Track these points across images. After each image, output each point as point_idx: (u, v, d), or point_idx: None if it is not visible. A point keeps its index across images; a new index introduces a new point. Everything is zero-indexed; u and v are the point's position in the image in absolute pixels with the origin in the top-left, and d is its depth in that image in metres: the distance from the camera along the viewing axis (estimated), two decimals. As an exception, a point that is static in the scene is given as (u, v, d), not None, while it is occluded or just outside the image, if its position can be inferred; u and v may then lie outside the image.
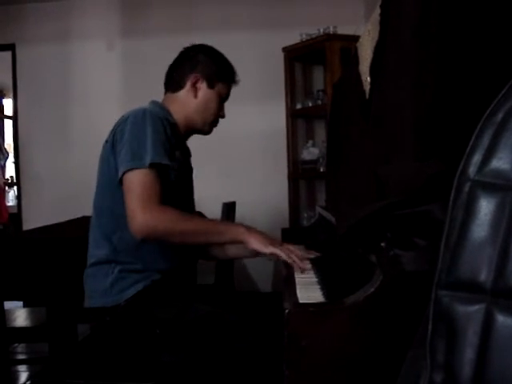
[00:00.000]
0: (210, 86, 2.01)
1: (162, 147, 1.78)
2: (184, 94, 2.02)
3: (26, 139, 5.00)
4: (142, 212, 1.70)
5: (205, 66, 2.02)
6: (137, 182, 1.73)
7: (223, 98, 2.07)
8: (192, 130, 2.08)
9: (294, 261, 1.75)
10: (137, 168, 1.74)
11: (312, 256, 1.89)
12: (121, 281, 1.81)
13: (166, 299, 1.80)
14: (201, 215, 2.31)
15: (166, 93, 2.08)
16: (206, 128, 2.08)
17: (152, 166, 1.73)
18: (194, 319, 1.73)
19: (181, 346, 1.72)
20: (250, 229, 1.81)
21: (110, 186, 1.83)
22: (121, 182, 1.77)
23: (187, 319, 1.73)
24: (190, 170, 2.16)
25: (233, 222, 1.93)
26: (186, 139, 2.13)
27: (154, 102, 2.04)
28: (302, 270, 1.73)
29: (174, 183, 1.87)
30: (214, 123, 2.09)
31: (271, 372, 1.51)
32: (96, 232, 1.91)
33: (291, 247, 1.81)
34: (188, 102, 2.02)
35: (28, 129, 4.98)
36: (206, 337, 1.70)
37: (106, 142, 1.89)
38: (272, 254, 1.78)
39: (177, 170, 1.88)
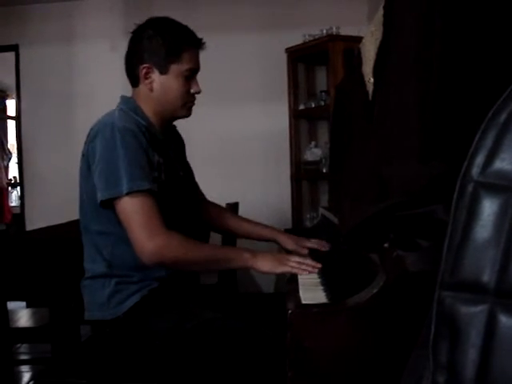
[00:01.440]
0: (163, 71, 1.86)
1: (139, 168, 1.70)
2: (142, 88, 1.90)
3: (29, 140, 5.01)
4: (148, 240, 1.66)
5: (152, 52, 1.85)
6: (131, 211, 1.68)
7: (187, 75, 1.88)
8: (166, 119, 1.95)
9: (305, 269, 1.72)
10: (117, 197, 1.68)
11: (327, 248, 1.95)
12: (118, 293, 1.78)
13: (165, 307, 1.77)
14: (204, 200, 2.26)
15: (132, 88, 1.97)
16: (180, 113, 1.93)
17: (129, 194, 1.66)
18: (194, 326, 1.69)
19: (182, 354, 1.69)
20: (255, 253, 1.76)
21: (94, 205, 1.77)
22: (103, 206, 1.72)
23: (187, 327, 1.69)
24: (183, 160, 2.11)
25: (239, 248, 1.90)
26: (169, 128, 2.05)
27: (124, 101, 1.94)
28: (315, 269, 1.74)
29: (161, 190, 1.78)
30: (189, 103, 1.93)
31: (274, 373, 1.50)
32: (87, 246, 1.87)
33: (298, 258, 1.78)
34: (148, 96, 1.89)
35: (31, 129, 4.99)
36: (207, 343, 1.67)
37: (83, 155, 1.83)
38: (284, 273, 1.75)
39: (158, 177, 1.80)
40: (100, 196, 1.70)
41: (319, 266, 1.74)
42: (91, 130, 1.82)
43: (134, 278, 1.78)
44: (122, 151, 1.68)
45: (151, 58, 1.85)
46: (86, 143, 1.83)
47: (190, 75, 1.89)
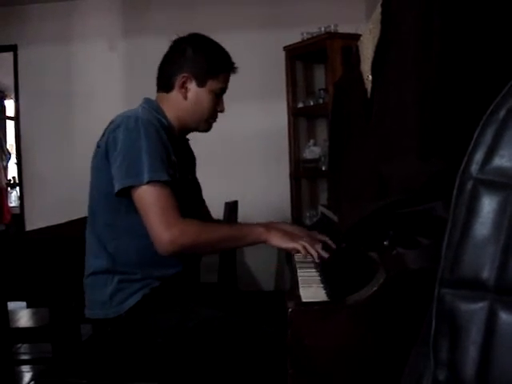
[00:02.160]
0: (200, 84, 1.94)
1: (160, 160, 1.74)
2: (174, 95, 1.96)
3: (28, 140, 5.01)
4: (165, 231, 1.68)
5: (193, 64, 1.94)
6: (149, 199, 1.70)
7: (218, 93, 1.99)
8: (187, 129, 2.03)
9: (311, 254, 1.75)
10: (137, 186, 1.70)
11: (334, 247, 1.92)
12: (120, 292, 1.79)
13: (167, 306, 1.78)
14: (208, 215, 2.28)
15: (158, 90, 2.03)
16: (202, 127, 2.02)
17: (149, 182, 1.70)
18: (195, 325, 1.70)
19: (184, 352, 1.70)
20: (268, 226, 1.84)
21: (104, 195, 1.80)
22: (118, 195, 1.74)
23: (189, 326, 1.70)
24: (192, 170, 2.14)
25: (252, 224, 1.91)
26: (184, 138, 2.09)
27: (147, 102, 1.99)
28: (321, 258, 1.75)
29: (175, 187, 1.81)
30: (212, 120, 2.03)
31: (275, 371, 1.50)
32: (91, 240, 1.88)
33: (311, 240, 1.82)
34: (179, 103, 1.96)
35: (30, 129, 4.99)
36: (209, 342, 1.68)
37: (98, 147, 1.85)
38: (292, 249, 1.80)
39: (174, 174, 1.82)
40: (119, 184, 1.72)
41: (326, 256, 1.76)
42: (111, 122, 1.85)
43: (137, 276, 1.79)
44: (144, 142, 1.72)
45: (192, 70, 1.93)
46: (103, 135, 1.86)
47: (220, 94, 2.00)
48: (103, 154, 1.80)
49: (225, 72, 1.99)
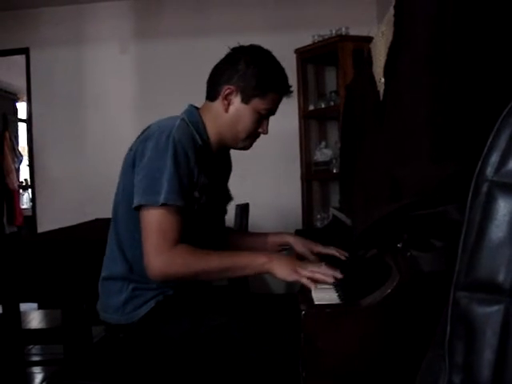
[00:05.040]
0: (244, 100, 1.84)
1: (179, 184, 1.68)
2: (217, 105, 1.87)
3: (40, 142, 5.03)
4: (154, 258, 1.65)
5: (242, 77, 1.83)
6: (154, 221, 1.67)
7: (263, 114, 1.87)
8: (225, 144, 1.94)
9: (317, 279, 1.62)
10: (150, 205, 1.67)
11: (343, 258, 1.87)
12: (134, 299, 1.78)
13: (179, 312, 1.77)
14: (230, 231, 2.24)
15: (206, 98, 1.94)
16: (239, 144, 1.93)
17: (164, 205, 1.66)
18: (207, 331, 1.69)
19: (196, 358, 1.69)
20: (271, 257, 1.72)
21: (128, 202, 1.76)
22: (136, 209, 1.72)
23: (201, 332, 1.69)
24: (225, 184, 2.11)
25: (254, 253, 1.81)
26: (223, 154, 2.04)
27: (190, 112, 1.90)
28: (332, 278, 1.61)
29: (198, 212, 1.79)
30: (251, 140, 1.94)
31: (288, 374, 1.50)
32: (113, 242, 1.86)
33: (312, 267, 1.68)
34: (219, 115, 1.87)
35: (42, 132, 5.01)
36: (221, 348, 1.66)
37: (131, 150, 1.82)
38: (297, 282, 1.67)
39: (199, 198, 1.79)
40: (136, 201, 1.70)
41: (330, 276, 1.62)
42: (148, 127, 1.82)
43: (152, 285, 1.78)
44: (170, 162, 1.67)
45: (239, 83, 1.83)
46: (137, 138, 1.83)
47: (266, 115, 1.89)
48: (132, 159, 1.78)
49: (274, 92, 1.87)
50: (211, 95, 1.90)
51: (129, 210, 1.76)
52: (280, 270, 1.68)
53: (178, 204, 1.67)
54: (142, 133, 1.84)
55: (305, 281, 1.62)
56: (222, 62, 1.90)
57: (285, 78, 1.90)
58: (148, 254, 1.66)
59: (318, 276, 1.62)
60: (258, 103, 1.84)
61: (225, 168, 2.12)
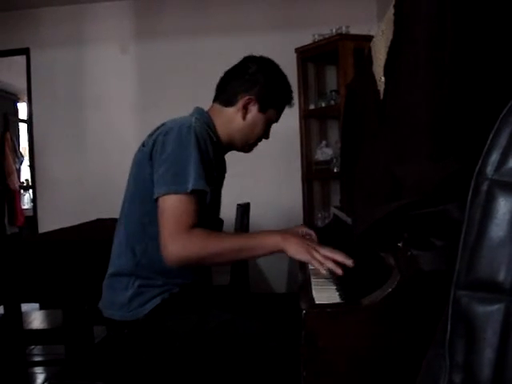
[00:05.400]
0: (262, 110, 1.97)
1: (204, 173, 1.73)
2: (233, 111, 1.96)
3: (41, 143, 5.04)
4: (171, 243, 1.65)
5: (261, 89, 1.95)
6: (172, 208, 1.68)
7: (272, 121, 2.03)
8: (231, 146, 2.03)
9: (327, 268, 1.58)
10: (177, 193, 1.68)
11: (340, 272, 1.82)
12: (140, 296, 1.79)
13: (185, 309, 1.78)
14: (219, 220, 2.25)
15: (214, 101, 2.02)
16: (244, 148, 2.05)
17: (193, 191, 1.68)
18: (212, 328, 1.70)
19: (200, 355, 1.70)
20: (285, 235, 1.70)
21: (142, 195, 1.78)
22: (157, 200, 1.72)
23: (206, 328, 1.70)
24: (222, 184, 2.12)
25: (267, 231, 1.78)
26: (224, 154, 2.09)
27: (199, 112, 1.97)
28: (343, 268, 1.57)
29: (208, 205, 1.82)
30: (254, 145, 2.07)
31: (289, 373, 1.50)
32: (122, 237, 1.86)
33: (327, 252, 1.63)
34: (235, 121, 1.96)
35: (43, 132, 5.02)
36: (225, 344, 1.67)
37: (143, 145, 1.84)
38: (307, 262, 1.66)
39: (213, 191, 1.82)
40: (163, 190, 1.70)
41: (340, 272, 1.57)
42: (163, 124, 1.85)
43: (158, 282, 1.79)
44: (194, 152, 1.72)
45: (258, 94, 1.95)
46: (150, 136, 1.86)
47: (271, 123, 2.05)
48: (148, 153, 1.79)
49: (286, 105, 2.05)
50: (226, 101, 1.98)
51: (143, 203, 1.78)
52: (292, 247, 1.66)
53: (205, 189, 1.72)
54: (156, 130, 1.86)
55: (315, 263, 1.59)
56: (237, 70, 2.00)
57: (291, 91, 2.07)
58: (165, 241, 1.66)
59: (329, 265, 1.58)
60: (271, 113, 2.00)
61: (222, 171, 2.13)
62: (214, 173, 1.85)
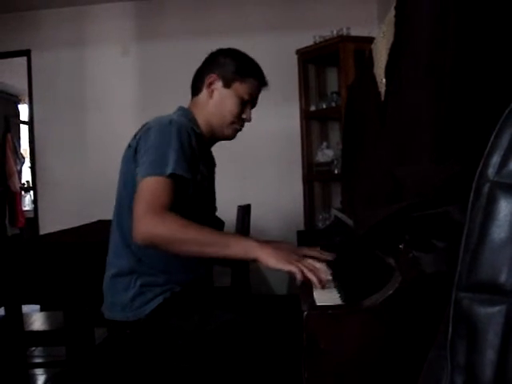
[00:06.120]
0: (226, 85, 1.99)
1: (185, 160, 1.74)
2: (203, 95, 2.03)
3: (41, 144, 5.04)
4: (143, 220, 1.62)
5: (223, 67, 2.00)
6: (150, 189, 1.68)
7: (245, 99, 2.01)
8: (214, 135, 2.04)
9: (310, 278, 1.56)
10: (156, 174, 1.69)
11: (330, 258, 1.86)
12: (141, 295, 1.79)
13: (187, 309, 1.78)
14: (219, 222, 2.24)
15: (191, 98, 2.09)
16: (226, 131, 2.03)
17: (171, 176, 1.68)
18: (214, 328, 1.70)
19: (203, 355, 1.70)
20: (262, 244, 1.66)
21: (131, 193, 1.77)
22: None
23: (208, 329, 1.70)
24: (213, 180, 2.13)
25: (245, 236, 1.75)
26: (210, 147, 2.11)
27: (181, 109, 2.04)
28: (322, 286, 1.55)
29: (192, 197, 1.81)
30: (236, 126, 2.04)
31: (290, 375, 1.50)
32: (116, 237, 1.87)
33: (312, 263, 1.64)
34: (206, 103, 2.01)
35: (44, 134, 5.02)
36: (227, 344, 1.68)
37: (129, 146, 1.87)
38: (288, 272, 1.59)
39: (199, 182, 1.84)
40: (141, 174, 1.71)
41: (326, 279, 1.60)
42: (146, 124, 1.89)
43: (160, 280, 1.80)
44: (174, 141, 1.75)
45: (219, 71, 2.01)
46: (135, 136, 1.89)
47: (246, 101, 2.04)
48: (132, 152, 1.82)
49: (252, 77, 2.03)
50: (197, 89, 2.06)
51: (132, 201, 1.76)
52: (270, 257, 1.61)
53: (186, 176, 1.73)
54: (140, 130, 1.89)
55: (297, 273, 1.56)
56: (203, 62, 2.08)
57: (259, 68, 2.08)
58: (137, 217, 1.64)
59: (310, 276, 1.56)
60: (238, 88, 2.00)
61: (211, 164, 2.14)
62: (200, 165, 1.87)
